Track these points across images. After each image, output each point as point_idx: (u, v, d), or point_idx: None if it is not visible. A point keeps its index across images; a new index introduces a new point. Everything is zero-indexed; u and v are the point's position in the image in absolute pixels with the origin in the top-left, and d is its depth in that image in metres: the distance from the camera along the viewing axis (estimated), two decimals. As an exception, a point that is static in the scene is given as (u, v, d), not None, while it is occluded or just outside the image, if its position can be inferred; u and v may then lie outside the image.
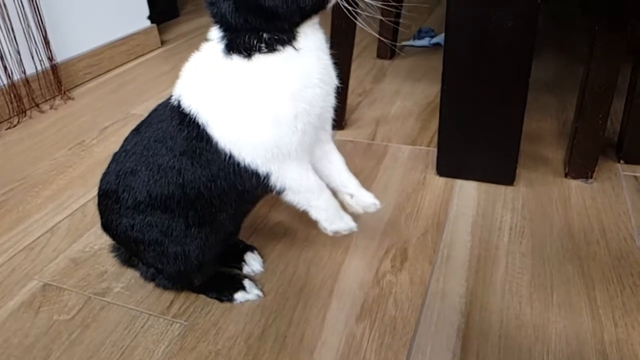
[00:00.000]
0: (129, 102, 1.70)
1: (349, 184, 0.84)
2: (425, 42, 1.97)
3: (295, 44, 0.68)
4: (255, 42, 0.67)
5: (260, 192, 0.77)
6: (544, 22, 2.09)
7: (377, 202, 0.84)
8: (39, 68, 1.69)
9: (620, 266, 0.90)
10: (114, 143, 1.45)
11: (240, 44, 0.67)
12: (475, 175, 1.14)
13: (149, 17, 2.14)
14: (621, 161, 1.17)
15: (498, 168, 1.12)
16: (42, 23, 1.67)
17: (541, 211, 1.04)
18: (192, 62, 0.74)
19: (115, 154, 0.81)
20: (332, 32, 1.29)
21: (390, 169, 1.22)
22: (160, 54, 2.16)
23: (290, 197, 0.77)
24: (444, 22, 1.03)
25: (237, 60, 0.68)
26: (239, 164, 0.72)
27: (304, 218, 1.06)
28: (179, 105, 0.73)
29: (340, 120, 1.43)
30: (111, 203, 0.79)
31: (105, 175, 0.81)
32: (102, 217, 0.83)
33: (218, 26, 0.70)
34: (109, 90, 1.82)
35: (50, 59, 1.72)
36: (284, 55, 0.68)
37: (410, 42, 2.00)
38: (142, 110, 1.62)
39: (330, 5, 0.69)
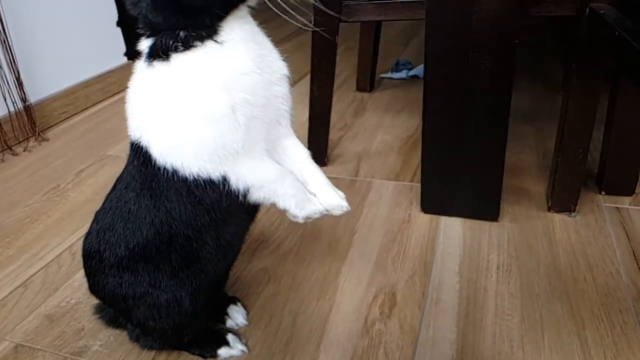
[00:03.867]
0: (106, 143, 1.67)
1: (311, 181, 0.74)
2: (403, 74, 1.98)
3: (217, 37, 0.63)
4: (171, 42, 0.62)
5: (226, 203, 0.69)
6: (518, 50, 2.12)
7: (344, 204, 0.73)
8: (12, 110, 1.66)
9: (608, 303, 0.89)
10: (90, 187, 1.41)
11: (158, 46, 0.63)
12: (460, 212, 1.13)
13: (125, 54, 2.12)
14: (602, 192, 1.18)
15: (482, 204, 1.11)
16: (15, 64, 1.64)
17: (527, 248, 1.03)
18: (129, 85, 0.69)
19: (97, 213, 0.78)
20: (312, 71, 1.28)
21: (375, 206, 1.21)
22: (137, 90, 2.13)
23: (256, 194, 0.69)
24: (419, 53, 1.03)
25: (157, 66, 0.63)
26: (186, 178, 0.66)
27: (288, 263, 1.04)
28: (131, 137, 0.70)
29: (322, 156, 1.42)
30: (95, 263, 0.76)
31: (87, 235, 0.78)
32: (88, 280, 0.79)
33: (143, 31, 0.66)
34: (85, 130, 1.79)
35: (24, 100, 1.68)
36: (205, 49, 0.63)
37: (389, 75, 2.01)
38: (119, 151, 1.59)
39: None
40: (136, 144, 0.68)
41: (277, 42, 0.69)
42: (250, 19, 0.67)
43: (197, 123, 0.62)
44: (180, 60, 0.62)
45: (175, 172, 0.65)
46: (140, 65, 0.66)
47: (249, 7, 0.66)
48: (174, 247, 0.72)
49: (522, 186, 1.24)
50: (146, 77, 0.65)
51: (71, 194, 1.39)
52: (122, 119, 0.70)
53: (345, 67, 2.08)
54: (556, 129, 1.12)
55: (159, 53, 0.63)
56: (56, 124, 1.84)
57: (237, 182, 0.67)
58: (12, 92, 1.65)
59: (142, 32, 0.66)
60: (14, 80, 1.65)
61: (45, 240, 1.19)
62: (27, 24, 1.70)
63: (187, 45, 0.62)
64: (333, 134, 1.57)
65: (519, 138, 1.46)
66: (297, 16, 0.67)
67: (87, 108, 1.96)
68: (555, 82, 1.82)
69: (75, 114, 1.91)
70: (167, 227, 0.70)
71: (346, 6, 1.19)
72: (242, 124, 0.63)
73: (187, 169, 0.65)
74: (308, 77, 1.30)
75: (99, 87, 2.00)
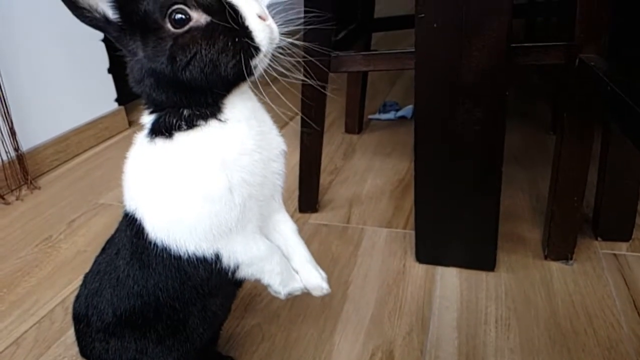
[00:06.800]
0: (98, 190, 1.65)
1: (295, 257, 0.75)
2: (390, 115, 1.99)
3: (221, 116, 0.63)
4: (174, 120, 0.63)
5: (215, 280, 0.69)
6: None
7: (324, 285, 0.73)
8: (5, 159, 1.64)
9: (611, 358, 0.88)
10: (82, 237, 1.39)
11: (161, 124, 0.63)
12: (456, 261, 1.12)
13: (117, 100, 2.13)
14: (599, 239, 1.17)
15: (478, 254, 1.10)
16: (9, 114, 1.63)
17: (525, 299, 1.02)
18: (128, 156, 0.69)
19: (86, 276, 0.78)
20: (303, 121, 1.29)
21: (368, 256, 1.20)
22: (128, 135, 2.13)
23: (244, 271, 0.69)
24: (406, 94, 1.03)
25: (159, 143, 0.63)
26: (180, 257, 0.65)
27: (281, 319, 1.02)
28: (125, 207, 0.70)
29: (313, 203, 1.41)
30: (83, 327, 0.76)
31: (76, 298, 0.78)
32: (78, 344, 0.78)
33: (146, 107, 0.66)
34: (77, 177, 1.78)
35: (17, 149, 1.67)
36: (208, 128, 0.63)
37: (377, 116, 2.03)
38: (111, 199, 1.57)
39: (257, 72, 0.63)
40: (131, 215, 0.68)
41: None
42: (251, 94, 0.68)
43: (195, 202, 0.62)
44: (182, 139, 0.63)
45: (165, 248, 0.65)
46: (141, 139, 0.66)
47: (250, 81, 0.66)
48: (160, 316, 0.71)
49: (517, 232, 1.23)
50: (147, 152, 0.65)
51: (63, 245, 1.37)
52: (114, 165, 0.69)
53: (334, 109, 2.09)
54: (548, 171, 1.12)
55: (161, 130, 0.63)
56: (48, 171, 1.82)
57: (229, 259, 0.67)
58: (5, 143, 1.64)
59: (145, 107, 0.66)
60: (7, 131, 1.65)
61: (38, 295, 1.17)
62: (19, 71, 1.70)
63: (191, 125, 0.63)
64: (323, 178, 1.57)
65: (511, 181, 1.46)
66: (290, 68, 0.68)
67: (78, 154, 1.95)
68: (544, 121, 1.84)
69: (67, 160, 1.90)
70: (154, 298, 0.69)
71: (335, 57, 1.20)
72: (238, 204, 0.63)
73: (182, 246, 0.65)
74: (297, 119, 1.30)
75: (91, 134, 2.00)
